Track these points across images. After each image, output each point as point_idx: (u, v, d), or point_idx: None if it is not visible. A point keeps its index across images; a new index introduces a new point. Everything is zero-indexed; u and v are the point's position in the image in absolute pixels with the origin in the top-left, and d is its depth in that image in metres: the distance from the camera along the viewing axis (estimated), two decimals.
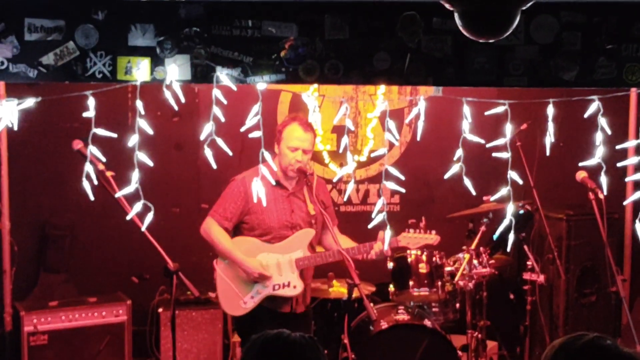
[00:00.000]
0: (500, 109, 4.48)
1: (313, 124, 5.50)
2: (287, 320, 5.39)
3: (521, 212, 6.12)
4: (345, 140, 4.51)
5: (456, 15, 2.72)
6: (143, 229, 4.46)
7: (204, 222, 5.52)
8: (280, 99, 6.81)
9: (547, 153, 4.73)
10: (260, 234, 5.45)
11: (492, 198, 5.61)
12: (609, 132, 4.46)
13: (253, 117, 4.26)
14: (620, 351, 2.37)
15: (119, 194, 4.42)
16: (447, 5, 2.69)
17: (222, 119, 4.19)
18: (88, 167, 4.27)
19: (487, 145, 4.57)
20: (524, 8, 2.68)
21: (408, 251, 5.87)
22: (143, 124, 4.22)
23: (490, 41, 2.98)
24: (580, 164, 4.83)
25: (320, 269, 5.78)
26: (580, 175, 5.52)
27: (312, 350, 2.61)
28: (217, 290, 5.53)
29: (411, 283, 5.85)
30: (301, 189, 5.47)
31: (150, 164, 4.23)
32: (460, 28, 2.76)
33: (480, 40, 2.95)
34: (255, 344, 2.62)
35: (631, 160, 4.64)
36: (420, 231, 5.67)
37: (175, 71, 4.10)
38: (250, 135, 4.31)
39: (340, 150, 4.50)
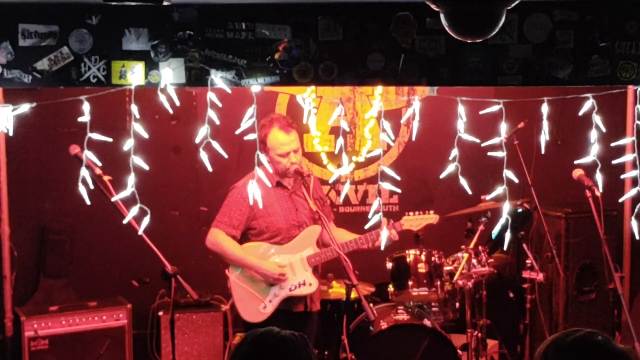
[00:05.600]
0: (495, 108, 4.48)
1: (289, 118, 5.49)
2: (302, 319, 5.42)
3: (519, 210, 6.12)
4: (340, 141, 4.52)
5: (442, 16, 2.73)
6: (140, 232, 4.47)
7: (208, 234, 5.45)
8: (278, 101, 6.81)
9: (542, 151, 4.74)
10: (270, 237, 5.43)
11: (489, 197, 5.61)
12: (603, 129, 4.47)
13: (248, 119, 4.27)
14: (611, 347, 2.36)
15: (115, 198, 4.44)
16: (433, 6, 2.70)
17: (217, 122, 4.20)
18: (84, 172, 4.29)
19: (483, 145, 4.58)
20: (509, 8, 2.69)
21: (407, 251, 5.87)
22: (139, 128, 4.23)
23: (478, 41, 2.98)
24: (575, 162, 4.83)
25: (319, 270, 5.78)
26: (577, 173, 5.52)
27: (301, 347, 2.60)
28: (234, 298, 5.49)
29: (410, 283, 5.84)
30: (300, 186, 5.47)
31: (146, 168, 4.25)
32: (447, 28, 2.77)
33: (468, 41, 2.96)
34: (244, 342, 2.62)
35: (626, 158, 4.64)
36: (420, 213, 5.71)
37: (170, 75, 4.12)
38: (246, 138, 4.33)
39: (336, 151, 4.51)
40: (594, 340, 2.35)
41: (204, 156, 4.24)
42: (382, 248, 5.20)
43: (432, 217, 5.72)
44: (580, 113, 4.47)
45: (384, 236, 5.04)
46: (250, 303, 5.39)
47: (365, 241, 5.45)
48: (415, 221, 5.67)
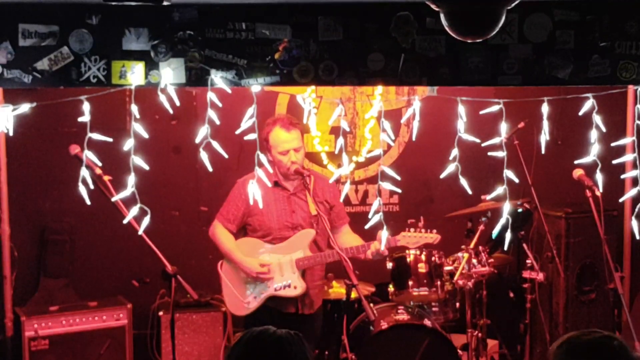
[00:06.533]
0: (495, 108, 4.48)
1: (294, 118, 5.50)
2: (293, 321, 5.37)
3: (520, 210, 6.12)
4: (340, 141, 4.52)
5: (442, 16, 2.73)
6: (140, 232, 4.48)
7: (211, 225, 5.59)
8: (278, 101, 6.81)
9: (543, 151, 4.74)
10: (263, 235, 5.47)
11: (489, 197, 5.61)
12: (603, 129, 4.47)
13: (248, 119, 4.27)
14: (627, 354, 2.31)
15: (115, 198, 4.44)
16: (433, 6, 2.70)
17: (217, 122, 4.20)
18: (84, 172, 4.29)
19: (483, 145, 4.58)
20: (509, 7, 2.69)
21: (407, 251, 5.85)
22: (139, 128, 4.23)
23: (478, 41, 2.98)
24: (575, 162, 4.83)
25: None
26: (577, 173, 5.52)
27: (297, 345, 2.60)
28: (222, 291, 5.59)
29: (410, 283, 5.83)
30: (303, 189, 5.47)
31: (146, 168, 4.25)
32: (447, 28, 2.77)
33: (468, 41, 2.96)
34: (240, 341, 2.61)
35: (626, 158, 4.64)
36: (420, 230, 5.61)
37: (170, 75, 4.12)
38: (246, 138, 4.32)
39: (337, 151, 4.51)
40: (610, 344, 2.30)
41: (204, 156, 4.24)
42: (382, 248, 5.21)
43: (432, 237, 5.57)
44: (580, 113, 4.46)
45: (384, 237, 5.03)
46: (236, 296, 5.47)
47: (357, 251, 5.41)
48: (413, 239, 5.55)
